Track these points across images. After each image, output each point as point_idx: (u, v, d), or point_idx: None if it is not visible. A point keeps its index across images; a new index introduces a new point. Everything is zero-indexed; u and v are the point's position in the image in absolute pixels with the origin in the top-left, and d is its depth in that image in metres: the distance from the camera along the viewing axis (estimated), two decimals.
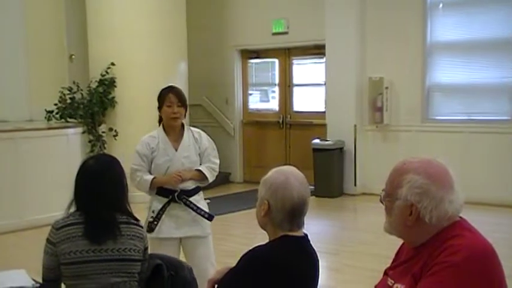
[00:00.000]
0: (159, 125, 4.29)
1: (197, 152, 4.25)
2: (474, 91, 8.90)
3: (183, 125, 4.29)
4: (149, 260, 2.99)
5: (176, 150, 4.17)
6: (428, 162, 2.13)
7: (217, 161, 4.33)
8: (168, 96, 4.18)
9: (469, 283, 1.94)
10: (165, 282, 3.01)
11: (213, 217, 4.28)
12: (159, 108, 4.23)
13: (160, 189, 4.18)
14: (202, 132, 4.37)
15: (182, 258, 4.22)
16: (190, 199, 4.20)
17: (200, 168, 4.21)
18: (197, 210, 4.19)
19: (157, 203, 4.19)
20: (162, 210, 4.16)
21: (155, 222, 4.15)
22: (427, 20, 9.15)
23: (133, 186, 4.20)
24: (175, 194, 4.14)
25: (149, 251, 3.99)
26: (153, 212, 4.18)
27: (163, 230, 4.17)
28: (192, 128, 4.37)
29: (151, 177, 4.14)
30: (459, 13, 8.99)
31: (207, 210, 4.26)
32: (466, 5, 8.92)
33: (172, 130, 4.23)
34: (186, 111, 4.24)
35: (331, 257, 6.27)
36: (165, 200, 4.17)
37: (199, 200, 4.27)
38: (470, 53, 8.91)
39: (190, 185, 4.20)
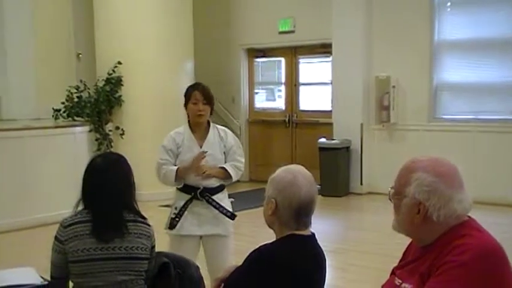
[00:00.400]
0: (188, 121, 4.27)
1: (222, 150, 4.21)
2: (481, 90, 8.88)
3: (209, 123, 4.26)
4: (156, 258, 2.99)
5: (201, 147, 4.14)
6: (438, 161, 2.12)
7: (243, 160, 4.28)
8: (194, 93, 4.16)
9: (478, 283, 1.94)
10: (172, 281, 3.01)
11: (235, 216, 4.23)
12: (185, 105, 4.22)
13: (183, 186, 4.16)
14: (228, 131, 4.34)
15: (201, 255, 4.24)
16: (213, 197, 4.16)
17: (224, 166, 4.17)
18: (219, 208, 4.15)
19: (180, 200, 4.17)
20: (184, 207, 4.13)
21: (177, 219, 4.12)
22: (434, 18, 9.13)
23: (160, 181, 4.22)
24: (198, 191, 4.12)
25: (169, 248, 4.01)
26: (175, 208, 4.16)
27: (184, 227, 4.14)
28: (218, 126, 4.33)
29: (176, 167, 4.10)
30: (466, 12, 8.98)
31: (230, 209, 4.22)
32: (474, 4, 8.90)
33: (198, 127, 4.21)
34: (212, 109, 4.22)
35: (338, 256, 6.26)
36: (188, 196, 4.14)
37: (223, 199, 4.23)
38: (477, 52, 8.88)
39: (213, 183, 4.16)
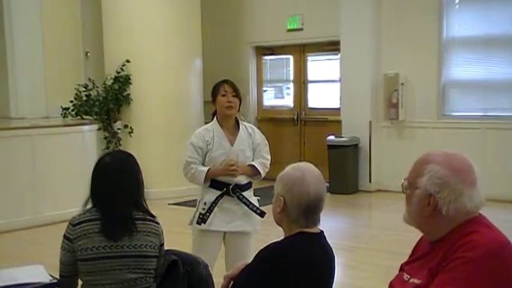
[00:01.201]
0: (212, 118, 4.27)
1: (251, 146, 4.22)
2: (490, 87, 8.84)
3: (236, 120, 4.26)
4: (165, 256, 3.00)
5: (232, 144, 4.14)
6: (453, 156, 2.13)
7: (269, 157, 4.28)
8: (222, 86, 4.19)
9: (487, 279, 1.94)
10: (181, 279, 3.01)
11: (265, 213, 4.18)
12: (213, 100, 4.22)
13: (214, 182, 4.14)
14: (255, 128, 4.34)
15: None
16: (243, 194, 4.16)
17: (254, 163, 4.17)
18: (250, 205, 4.15)
19: (210, 196, 4.14)
20: (215, 202, 4.11)
21: (207, 214, 4.10)
22: (442, 15, 9.09)
23: (186, 179, 4.20)
24: (230, 187, 4.11)
25: (193, 243, 4.01)
26: (205, 203, 4.13)
27: (214, 223, 4.12)
28: (245, 123, 4.33)
29: (206, 168, 4.09)
30: (475, 9, 8.94)
31: (258, 206, 4.22)
32: (482, 1, 8.86)
33: (227, 123, 4.20)
34: (240, 103, 4.22)
35: (346, 253, 6.25)
36: (219, 192, 4.12)
37: (251, 196, 4.23)
38: (486, 49, 8.84)
39: (243, 180, 4.17)
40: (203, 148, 4.12)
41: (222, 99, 4.14)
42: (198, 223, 4.11)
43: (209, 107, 10.56)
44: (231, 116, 4.19)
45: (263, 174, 4.23)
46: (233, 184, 4.10)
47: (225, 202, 4.12)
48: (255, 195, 4.28)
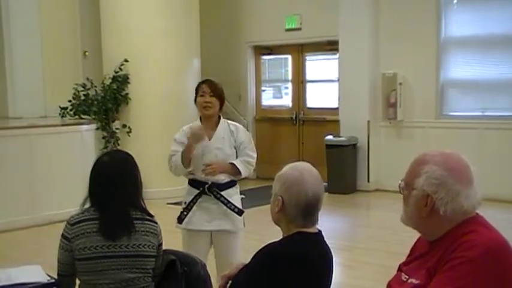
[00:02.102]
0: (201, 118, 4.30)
1: (232, 144, 4.22)
2: (488, 87, 8.85)
3: (220, 118, 4.28)
4: (163, 256, 2.99)
5: (210, 139, 4.16)
6: (449, 156, 2.13)
7: (254, 155, 4.29)
8: (201, 86, 4.22)
9: (485, 279, 1.94)
10: (179, 278, 3.01)
11: (242, 212, 4.23)
12: (195, 99, 4.25)
13: (192, 181, 4.19)
14: (239, 125, 4.34)
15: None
16: (222, 192, 4.17)
17: (234, 162, 4.19)
18: (227, 204, 4.16)
19: (189, 195, 4.20)
20: (193, 201, 4.16)
21: (185, 213, 4.16)
22: (441, 15, 9.10)
23: (172, 172, 4.24)
24: (206, 186, 4.13)
25: (182, 243, 4.02)
26: (184, 203, 4.20)
27: (194, 222, 4.16)
28: (230, 121, 4.35)
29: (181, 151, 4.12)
30: (473, 9, 8.94)
31: (238, 205, 4.23)
32: (480, 0, 8.87)
33: (209, 121, 4.22)
34: (221, 103, 4.23)
35: (345, 253, 6.26)
36: (196, 191, 4.17)
37: (233, 194, 4.24)
38: (484, 49, 8.85)
39: (223, 178, 4.18)
40: (185, 143, 4.14)
41: (200, 99, 4.19)
42: (179, 222, 4.17)
43: None
44: (209, 116, 4.21)
45: (244, 173, 4.24)
46: (210, 183, 4.13)
47: (204, 201, 4.16)
48: (241, 194, 4.33)
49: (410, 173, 2.16)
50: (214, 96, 4.17)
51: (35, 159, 7.70)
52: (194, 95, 4.26)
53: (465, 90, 9.18)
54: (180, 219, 4.16)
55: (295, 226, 2.41)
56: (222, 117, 4.29)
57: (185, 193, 4.28)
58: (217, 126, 4.23)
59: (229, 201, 4.17)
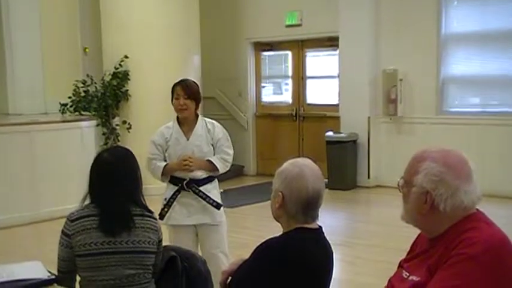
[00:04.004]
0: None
1: (209, 142, 4.33)
2: (489, 83, 8.84)
3: (197, 116, 4.37)
4: (163, 252, 3.00)
5: (188, 139, 4.29)
6: (448, 152, 2.13)
7: (231, 152, 4.41)
8: (176, 89, 4.32)
9: (486, 275, 1.93)
10: (179, 274, 3.01)
11: (221, 206, 4.36)
12: (171, 100, 4.36)
13: (171, 178, 4.31)
14: (216, 123, 4.44)
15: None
16: (201, 188, 4.29)
17: (211, 158, 4.29)
18: (206, 198, 4.29)
19: (169, 191, 4.33)
20: (173, 198, 4.29)
21: (165, 209, 4.30)
22: (441, 11, 9.08)
23: (150, 175, 4.31)
24: (184, 183, 4.26)
25: (168, 239, 4.05)
26: (165, 199, 4.32)
27: (174, 218, 4.30)
28: (206, 119, 4.45)
29: (164, 164, 4.26)
30: (474, 5, 8.92)
31: (217, 199, 4.35)
32: None
33: (186, 121, 4.33)
34: (197, 104, 4.33)
35: (345, 249, 6.26)
36: (175, 188, 4.30)
37: (211, 189, 4.36)
38: (485, 45, 8.83)
39: (200, 175, 4.30)
40: (163, 145, 4.30)
41: (175, 102, 4.30)
42: (160, 219, 4.20)
43: (207, 103, 10.62)
44: (184, 118, 4.32)
45: (222, 170, 4.35)
46: (188, 179, 4.25)
47: (183, 197, 4.29)
48: (223, 190, 4.57)
49: (409, 170, 2.16)
50: (188, 99, 4.27)
51: (35, 156, 7.70)
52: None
53: (466, 86, 9.17)
54: (162, 216, 4.26)
55: (295, 222, 2.41)
56: (199, 115, 4.39)
57: (165, 190, 4.39)
58: (194, 124, 4.33)
59: (207, 196, 4.30)
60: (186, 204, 4.29)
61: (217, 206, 4.33)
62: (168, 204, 4.29)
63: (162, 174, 4.26)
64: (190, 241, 4.30)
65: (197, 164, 4.23)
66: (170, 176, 4.30)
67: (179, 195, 4.29)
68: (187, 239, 4.25)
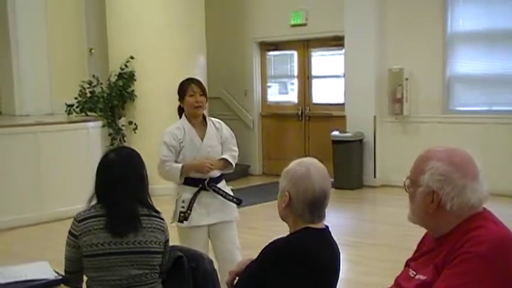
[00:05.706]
0: (180, 117, 4.36)
1: (219, 141, 4.33)
2: (495, 82, 8.81)
3: (204, 116, 4.36)
4: (170, 252, 3.00)
5: (202, 140, 4.25)
6: (453, 151, 2.12)
7: (237, 149, 4.42)
8: (190, 86, 4.27)
9: (493, 274, 1.93)
10: (186, 274, 3.02)
11: (241, 201, 4.36)
12: (181, 99, 4.30)
13: (188, 179, 4.24)
14: (221, 122, 4.45)
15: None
16: (218, 185, 4.28)
17: (225, 157, 4.28)
18: (226, 196, 4.28)
19: (187, 193, 4.23)
20: (193, 199, 4.21)
21: (188, 212, 4.20)
22: (447, 10, 9.06)
23: (162, 177, 4.28)
24: (205, 182, 4.21)
25: (180, 241, 4.04)
26: (183, 202, 4.22)
27: (194, 219, 4.21)
28: (212, 118, 4.46)
29: (180, 165, 4.18)
30: (480, 3, 8.90)
31: (233, 195, 4.34)
32: None
33: (196, 121, 4.29)
34: (207, 101, 4.35)
35: (351, 249, 6.24)
36: (195, 189, 4.22)
37: (225, 186, 4.36)
38: (491, 43, 8.81)
39: (216, 173, 4.28)
40: (176, 147, 4.22)
41: (190, 99, 4.24)
42: (181, 221, 4.20)
43: (213, 103, 10.58)
44: (199, 116, 4.30)
45: (233, 167, 4.36)
46: (208, 179, 4.22)
47: (201, 197, 4.24)
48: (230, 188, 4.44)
49: (414, 170, 2.15)
50: (203, 95, 4.27)
51: (42, 157, 7.72)
52: (178, 94, 4.33)
53: (472, 85, 9.14)
54: (185, 218, 4.19)
55: (302, 222, 2.41)
56: (205, 115, 4.38)
57: (178, 191, 4.31)
58: (204, 124, 4.32)
59: (227, 193, 4.29)
60: (204, 204, 4.23)
61: (238, 202, 4.33)
62: (190, 206, 4.20)
63: (181, 174, 4.19)
64: (205, 242, 4.26)
65: (216, 165, 4.21)
66: (187, 177, 4.23)
67: (199, 196, 4.23)
68: (202, 240, 4.21)
